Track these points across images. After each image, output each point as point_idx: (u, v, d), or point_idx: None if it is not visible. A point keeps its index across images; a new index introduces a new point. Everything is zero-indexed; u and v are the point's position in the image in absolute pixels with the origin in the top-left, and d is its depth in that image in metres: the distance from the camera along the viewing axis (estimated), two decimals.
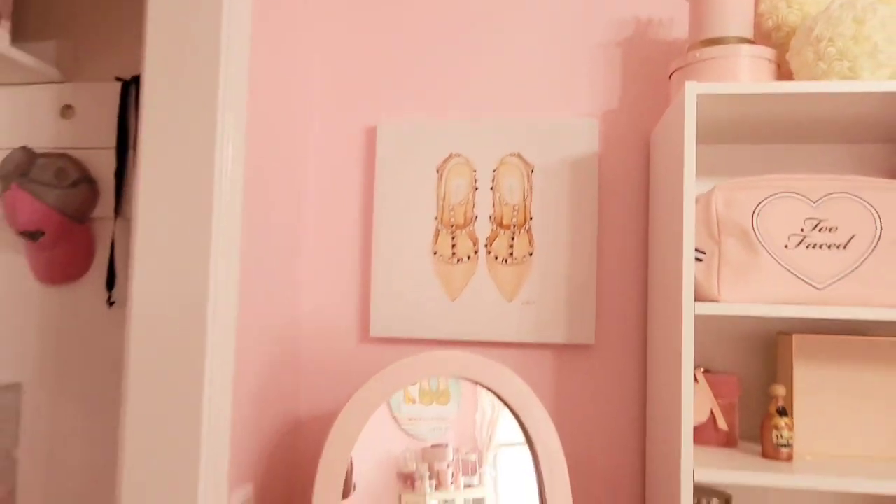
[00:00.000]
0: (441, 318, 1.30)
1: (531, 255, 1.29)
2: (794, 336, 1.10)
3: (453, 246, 1.31)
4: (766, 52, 1.07)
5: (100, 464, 1.36)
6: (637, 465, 1.24)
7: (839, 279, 1.01)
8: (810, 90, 0.98)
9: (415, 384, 1.12)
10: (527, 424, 1.03)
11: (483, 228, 1.31)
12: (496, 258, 1.30)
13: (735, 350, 1.21)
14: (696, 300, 1.01)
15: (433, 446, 1.29)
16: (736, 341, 1.21)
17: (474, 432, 1.28)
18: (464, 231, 1.31)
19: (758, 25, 1.14)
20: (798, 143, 1.21)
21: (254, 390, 1.15)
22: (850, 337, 1.10)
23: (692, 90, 0.99)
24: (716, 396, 1.13)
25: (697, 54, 1.09)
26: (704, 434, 1.12)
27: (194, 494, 0.98)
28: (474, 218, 1.32)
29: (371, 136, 1.36)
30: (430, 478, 1.29)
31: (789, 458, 1.03)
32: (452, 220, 1.32)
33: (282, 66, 1.22)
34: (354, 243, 1.36)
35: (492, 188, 1.31)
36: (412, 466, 1.29)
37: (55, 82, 1.41)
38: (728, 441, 1.12)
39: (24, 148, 1.35)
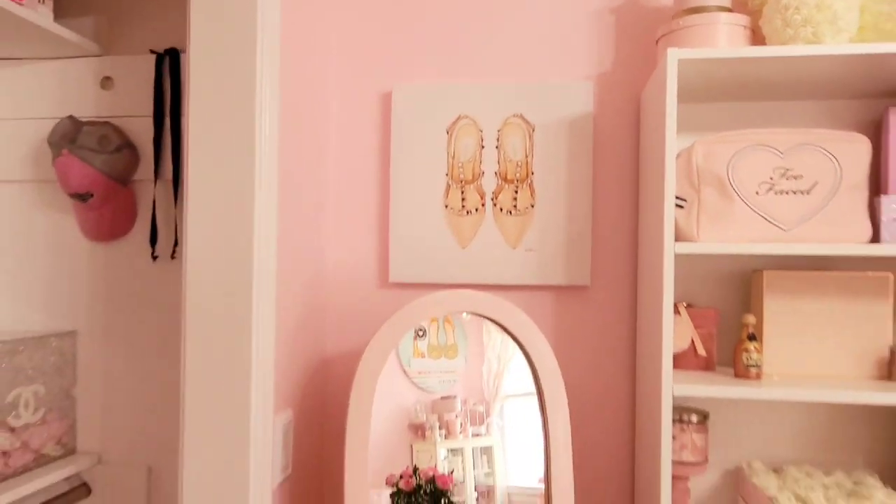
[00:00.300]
0: (452, 264, 1.45)
1: (533, 206, 1.43)
2: (765, 272, 1.25)
3: (462, 199, 1.46)
4: (742, 19, 1.19)
5: (148, 400, 1.52)
6: (628, 390, 1.41)
7: (804, 221, 1.16)
8: (778, 54, 1.10)
9: (434, 318, 1.26)
10: (529, 351, 1.18)
11: (489, 183, 1.45)
12: (501, 210, 1.44)
13: (714, 287, 1.36)
14: (678, 242, 1.16)
15: (442, 398, 1.37)
16: (715, 279, 1.36)
17: (481, 384, 1.36)
18: (472, 186, 1.45)
19: None
20: (771, 101, 1.34)
21: (291, 331, 1.30)
22: (813, 272, 1.24)
23: (674, 56, 1.12)
24: (696, 327, 1.28)
25: (680, 22, 1.21)
26: (686, 360, 1.28)
27: (247, 417, 1.14)
28: (481, 174, 1.45)
29: (386, 100, 1.49)
30: (440, 428, 1.37)
31: (758, 376, 1.19)
32: (462, 176, 1.46)
33: (306, 39, 1.35)
34: (373, 199, 1.50)
35: (497, 146, 1.45)
36: (422, 417, 1.37)
37: (95, 55, 1.53)
38: (707, 365, 1.28)
39: (70, 117, 1.48)
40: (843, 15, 1.10)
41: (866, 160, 1.16)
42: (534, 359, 1.17)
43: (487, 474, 1.37)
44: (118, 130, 1.50)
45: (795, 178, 1.16)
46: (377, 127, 1.50)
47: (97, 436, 1.54)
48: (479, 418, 1.37)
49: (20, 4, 1.30)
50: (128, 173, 1.51)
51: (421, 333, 1.38)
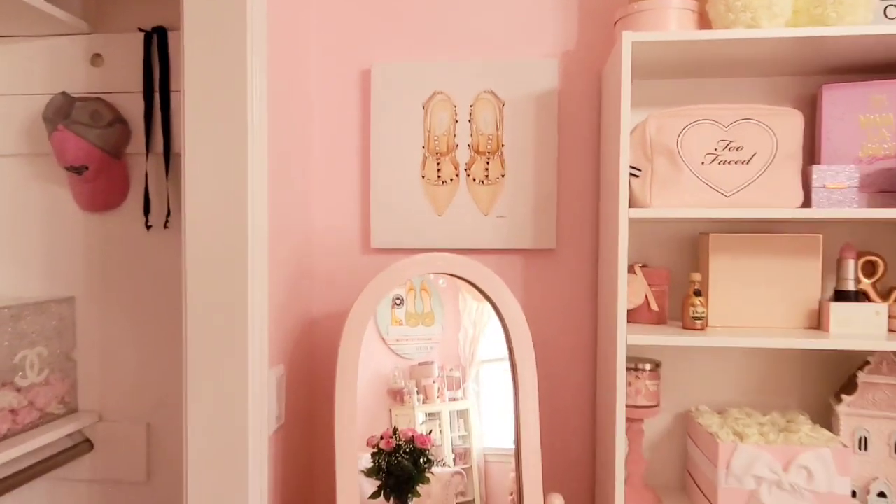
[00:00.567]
0: (429, 230, 1.57)
1: (503, 176, 1.55)
2: (711, 235, 1.39)
3: (438, 170, 1.57)
4: (691, 3, 1.31)
5: (144, 360, 1.62)
6: (590, 342, 1.54)
7: (743, 188, 1.29)
8: (721, 37, 1.23)
9: (414, 278, 1.37)
10: (500, 309, 1.31)
11: (463, 155, 1.56)
12: (474, 180, 1.56)
13: (667, 249, 1.50)
14: (632, 208, 1.28)
15: (420, 364, 1.43)
16: (668, 242, 1.50)
17: (458, 350, 1.43)
18: (447, 157, 1.57)
19: None
20: (718, 78, 1.47)
21: (282, 293, 1.41)
22: (753, 234, 1.38)
23: (628, 38, 1.23)
24: (650, 285, 1.42)
25: (636, 6, 1.32)
26: (640, 314, 1.42)
27: (245, 371, 1.25)
28: (455, 146, 1.56)
29: (366, 77, 1.59)
30: (418, 393, 1.43)
31: (703, 327, 1.33)
32: (437, 148, 1.57)
33: (291, 20, 1.43)
34: (355, 170, 1.60)
35: (470, 120, 1.56)
36: (401, 383, 1.42)
37: (84, 34, 1.59)
38: (659, 319, 1.42)
39: (63, 93, 1.55)
40: (778, 1, 1.22)
41: (799, 133, 1.29)
42: (504, 315, 1.30)
43: (464, 437, 1.44)
44: (109, 106, 1.57)
45: (737, 149, 1.29)
46: (358, 102, 1.60)
47: (97, 395, 1.64)
48: (455, 383, 1.44)
49: None
50: (120, 147, 1.58)
51: (398, 302, 1.44)
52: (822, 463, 1.22)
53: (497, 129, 1.55)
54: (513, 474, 1.37)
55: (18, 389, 1.47)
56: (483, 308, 1.38)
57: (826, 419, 1.43)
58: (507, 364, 1.36)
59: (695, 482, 1.41)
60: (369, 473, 1.40)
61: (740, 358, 1.49)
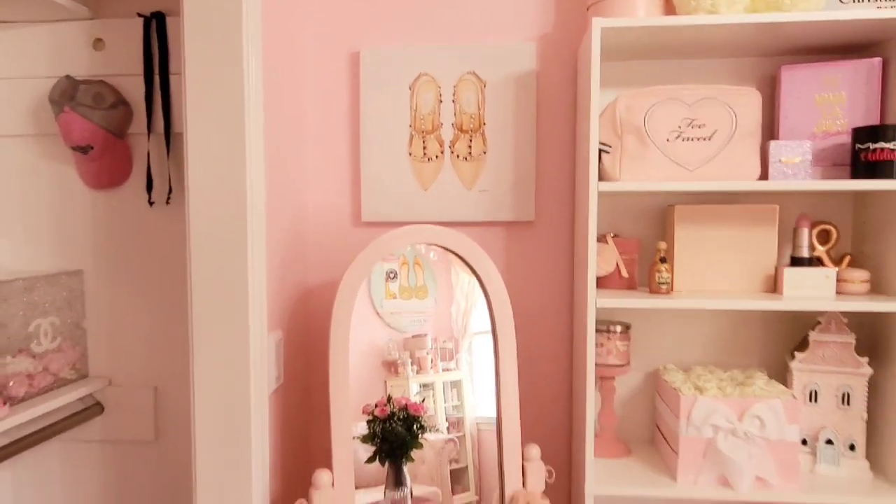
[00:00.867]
0: (416, 204, 1.67)
1: (485, 153, 1.65)
2: (676, 206, 1.49)
3: (424, 148, 1.66)
4: None
5: (150, 328, 1.72)
6: (567, 308, 1.66)
7: (705, 163, 1.40)
8: (683, 23, 1.32)
9: (402, 249, 1.47)
10: (480, 274, 1.41)
11: (447, 133, 1.65)
12: (458, 156, 1.66)
13: (638, 220, 1.60)
14: (603, 182, 1.38)
15: (413, 336, 1.48)
16: (639, 214, 1.60)
17: (450, 323, 1.49)
18: (432, 136, 1.66)
19: None
20: (684, 59, 1.56)
21: (279, 264, 1.51)
22: (715, 205, 1.49)
23: (598, 24, 1.33)
24: (621, 254, 1.53)
25: None
26: (612, 281, 1.53)
27: (246, 335, 1.35)
28: (440, 125, 1.66)
29: (355, 60, 1.68)
30: (412, 364, 1.49)
31: (668, 292, 1.44)
32: (423, 127, 1.66)
33: (284, 4, 1.52)
34: (346, 148, 1.70)
35: (453, 101, 1.65)
36: (395, 355, 1.48)
37: (86, 19, 1.67)
38: (629, 285, 1.54)
39: (67, 77, 1.63)
40: None
41: (758, 111, 1.39)
42: (484, 281, 1.40)
43: (457, 406, 1.49)
44: (112, 88, 1.65)
45: (699, 126, 1.40)
46: (348, 84, 1.69)
47: (106, 361, 1.74)
48: (448, 355, 1.50)
49: None
50: (123, 127, 1.67)
51: (392, 276, 1.50)
52: (773, 413, 1.34)
53: (479, 109, 1.64)
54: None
55: (34, 356, 1.58)
56: (475, 282, 1.44)
57: (783, 376, 1.55)
58: (483, 295, 1.43)
59: (661, 434, 1.54)
60: (365, 440, 1.47)
61: (705, 320, 1.61)
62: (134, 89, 1.66)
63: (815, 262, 1.47)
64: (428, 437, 1.50)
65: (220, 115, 1.31)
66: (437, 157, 1.66)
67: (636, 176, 1.40)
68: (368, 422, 1.46)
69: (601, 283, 1.53)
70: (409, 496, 1.50)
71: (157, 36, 1.64)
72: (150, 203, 1.68)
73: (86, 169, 1.68)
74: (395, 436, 1.49)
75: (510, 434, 1.40)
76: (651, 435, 1.64)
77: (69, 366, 1.68)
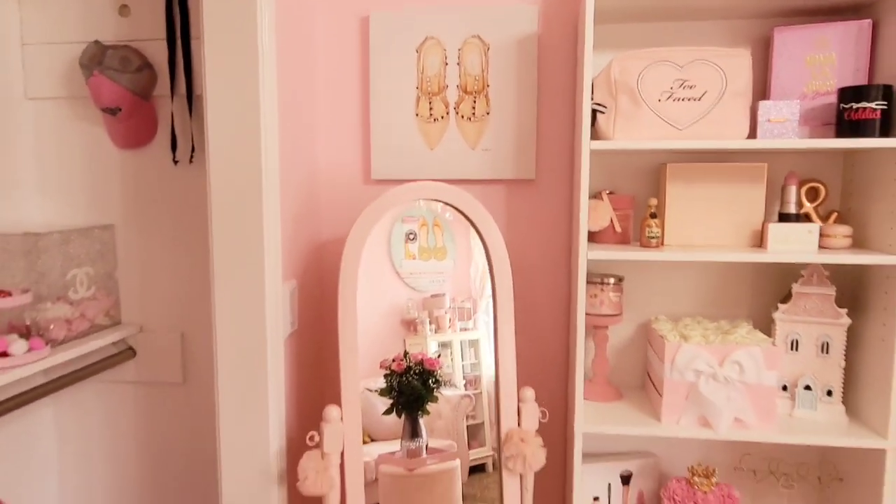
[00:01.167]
0: (423, 163, 1.76)
1: (488, 113, 1.72)
2: (668, 164, 1.56)
3: (430, 109, 1.75)
4: None
5: (176, 279, 1.85)
6: (564, 263, 1.75)
7: (695, 122, 1.46)
8: None
9: (407, 202, 1.55)
10: (478, 226, 1.50)
11: (452, 94, 1.73)
12: (462, 117, 1.74)
13: (633, 178, 1.68)
14: (597, 140, 1.45)
15: (432, 296, 1.52)
16: (633, 172, 1.68)
17: (469, 283, 1.53)
18: (438, 97, 1.74)
19: None
20: (681, 21, 1.61)
21: (292, 219, 1.62)
22: (705, 163, 1.55)
23: None
24: (615, 210, 1.60)
25: None
26: (606, 235, 1.61)
27: (262, 284, 1.47)
28: (445, 87, 1.74)
29: (364, 24, 1.76)
30: (430, 323, 1.54)
31: (658, 245, 1.52)
32: (429, 88, 1.74)
33: None
34: (357, 110, 1.79)
35: (458, 63, 1.72)
36: (414, 314, 1.53)
37: None
38: (623, 240, 1.62)
39: (96, 42, 1.73)
40: None
41: (748, 72, 1.45)
42: (482, 231, 1.49)
43: (474, 365, 1.55)
44: (137, 52, 1.75)
45: (690, 87, 1.46)
46: (357, 47, 1.77)
47: (138, 309, 1.88)
48: (466, 314, 1.55)
49: None
50: (149, 90, 1.78)
51: (412, 237, 1.56)
52: (752, 359, 1.43)
53: (483, 71, 1.71)
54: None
55: (71, 303, 1.72)
56: None
57: (769, 328, 1.62)
58: (482, 248, 1.50)
59: (650, 380, 1.63)
60: (382, 393, 1.55)
61: (696, 274, 1.69)
62: (158, 53, 1.76)
63: (802, 218, 1.53)
64: (445, 393, 1.57)
65: (236, 78, 1.41)
66: (442, 117, 1.74)
67: (629, 135, 1.47)
68: (386, 376, 1.54)
69: (596, 237, 1.61)
70: (424, 447, 1.58)
71: (179, 2, 1.73)
72: (175, 162, 1.80)
73: (114, 129, 1.80)
74: (410, 389, 1.56)
75: (506, 377, 1.51)
76: (642, 381, 1.73)
77: (103, 313, 1.82)
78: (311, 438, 1.45)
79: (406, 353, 1.56)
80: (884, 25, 1.45)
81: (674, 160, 1.62)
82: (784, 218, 1.53)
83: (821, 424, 1.48)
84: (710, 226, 1.56)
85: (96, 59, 1.72)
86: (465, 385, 1.57)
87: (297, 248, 1.66)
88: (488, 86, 1.71)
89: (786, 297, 1.56)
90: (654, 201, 1.53)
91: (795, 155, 1.61)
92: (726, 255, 1.43)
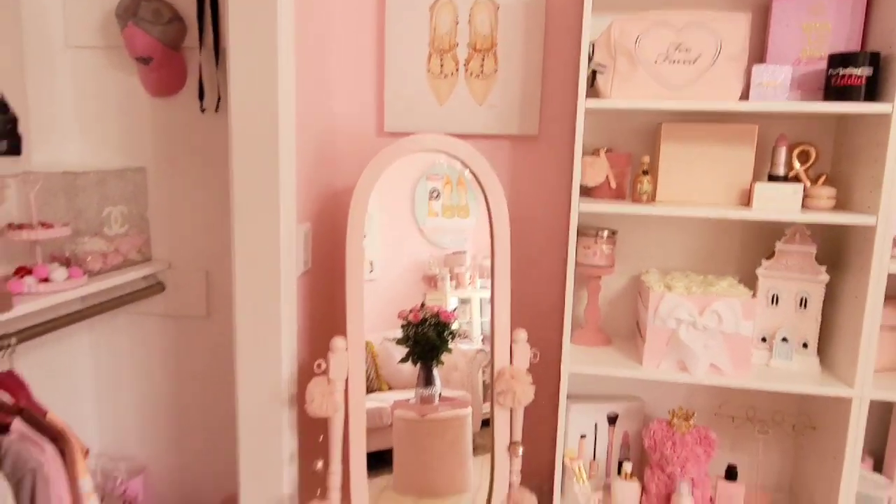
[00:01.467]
0: (433, 117, 1.85)
1: (496, 71, 1.81)
2: (664, 124, 1.64)
3: (441, 65, 1.83)
4: None
5: (203, 219, 1.98)
6: (563, 216, 1.84)
7: (689, 85, 1.53)
8: None
9: (412, 153, 1.64)
10: (478, 175, 1.59)
11: (462, 52, 1.82)
12: (471, 74, 1.82)
13: (630, 137, 1.75)
14: (594, 99, 1.53)
15: (453, 253, 1.61)
16: (631, 131, 1.75)
17: (489, 241, 1.57)
18: (448, 54, 1.83)
19: None
20: None
21: (308, 166, 1.74)
22: (698, 124, 1.62)
23: None
24: (612, 167, 1.69)
25: None
26: (602, 191, 1.70)
27: (277, 224, 1.59)
28: (456, 45, 1.82)
29: None
30: (451, 279, 1.60)
31: (649, 201, 1.61)
32: (440, 46, 1.83)
33: None
34: (372, 65, 1.88)
35: (469, 22, 1.80)
36: (435, 270, 1.61)
37: None
38: (617, 195, 1.70)
39: None
40: None
41: (743, 36, 1.50)
42: (482, 181, 1.59)
43: None
44: (168, 5, 1.85)
45: (686, 50, 1.52)
46: (374, 4, 1.85)
47: (166, 247, 2.03)
48: (486, 272, 1.59)
49: None
50: (178, 41, 1.89)
51: (435, 195, 1.63)
52: (730, 310, 1.52)
53: (492, 30, 1.79)
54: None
55: (106, 238, 1.87)
56: None
57: (754, 283, 1.71)
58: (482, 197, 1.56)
59: (638, 328, 1.73)
60: (399, 342, 1.65)
61: (687, 231, 1.77)
62: (188, 7, 1.86)
63: (791, 179, 1.60)
64: (461, 347, 1.65)
65: (256, 32, 1.51)
66: (452, 74, 1.82)
67: (626, 95, 1.55)
68: (403, 326, 1.64)
69: (592, 192, 1.70)
70: (437, 395, 1.68)
71: None
72: (202, 110, 1.91)
73: (147, 78, 1.92)
74: (426, 339, 1.66)
75: (500, 319, 1.62)
76: (632, 330, 1.84)
77: (136, 249, 1.97)
78: (319, 366, 1.59)
79: (423, 305, 1.64)
80: None
81: (670, 121, 1.69)
82: (773, 179, 1.60)
83: (795, 374, 1.58)
84: (701, 184, 1.63)
85: (130, 10, 1.83)
86: (483, 340, 1.64)
87: (312, 194, 1.78)
88: (497, 44, 1.79)
89: (770, 255, 1.64)
90: (646, 159, 1.61)
91: (789, 119, 1.67)
92: (711, 212, 1.51)
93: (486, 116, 1.82)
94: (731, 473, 1.66)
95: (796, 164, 1.61)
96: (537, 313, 1.89)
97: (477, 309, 1.63)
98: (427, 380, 1.68)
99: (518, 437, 1.64)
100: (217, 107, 1.90)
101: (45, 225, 1.66)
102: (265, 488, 1.69)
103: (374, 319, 1.67)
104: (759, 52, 1.62)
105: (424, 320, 1.65)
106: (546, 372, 1.73)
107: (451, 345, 1.68)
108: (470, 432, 1.70)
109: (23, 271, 1.61)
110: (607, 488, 1.76)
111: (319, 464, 1.61)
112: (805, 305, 1.59)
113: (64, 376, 2.02)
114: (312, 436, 1.68)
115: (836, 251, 1.62)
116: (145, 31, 1.81)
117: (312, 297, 1.83)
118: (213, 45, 1.86)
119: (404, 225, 1.59)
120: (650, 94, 1.53)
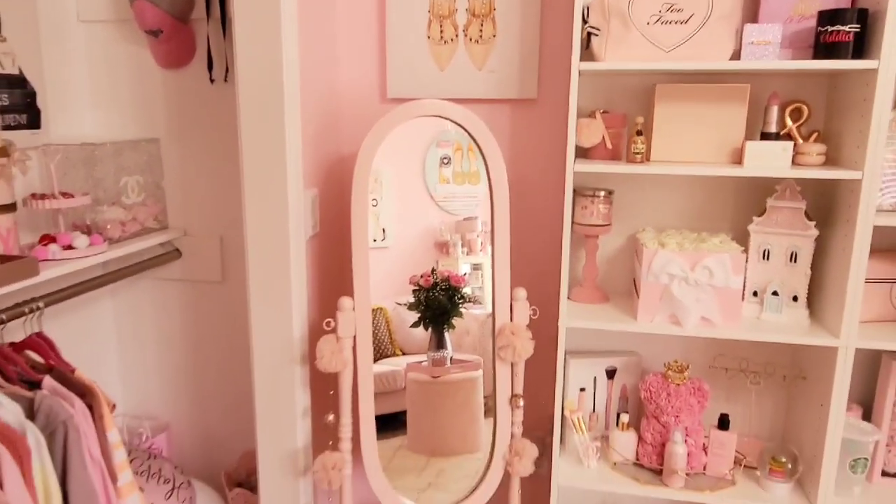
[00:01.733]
0: (434, 83, 1.90)
1: (495, 36, 1.84)
2: (658, 85, 1.67)
3: (441, 31, 1.87)
4: None
5: (216, 188, 2.06)
6: (561, 177, 1.88)
7: (680, 44, 1.56)
8: None
9: (412, 118, 1.69)
10: (481, 144, 1.65)
11: (461, 18, 1.85)
12: (470, 39, 1.86)
13: (627, 98, 1.79)
14: (587, 62, 1.57)
15: (465, 219, 1.63)
16: (626, 92, 1.79)
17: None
18: (448, 20, 1.87)
19: None
20: None
21: (313, 132, 1.80)
22: (691, 84, 1.65)
23: None
24: (608, 128, 1.72)
25: None
26: (598, 151, 1.74)
27: (285, 189, 1.66)
28: (455, 10, 1.86)
29: None
30: (462, 245, 1.63)
31: (643, 160, 1.65)
32: (440, 12, 1.86)
33: None
34: (374, 32, 1.93)
35: None
36: (447, 236, 1.63)
37: None
38: (613, 156, 1.74)
39: None
40: None
41: None
42: (480, 144, 1.64)
43: None
44: None
45: (678, 11, 1.55)
46: None
47: (182, 215, 2.11)
48: None
49: None
50: (187, 13, 1.94)
51: (446, 161, 1.66)
52: (720, 265, 1.58)
53: None
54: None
55: (125, 207, 1.95)
56: None
57: (747, 240, 1.75)
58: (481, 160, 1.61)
59: (634, 285, 1.80)
60: (411, 307, 1.69)
61: (682, 189, 1.81)
62: None
63: (783, 137, 1.63)
64: (473, 311, 1.69)
65: (260, 1, 1.56)
66: (452, 40, 1.87)
67: (620, 57, 1.58)
68: (414, 291, 1.68)
69: (588, 153, 1.75)
70: (448, 358, 1.74)
71: None
72: (212, 81, 1.98)
73: (157, 50, 1.98)
74: (437, 303, 1.71)
75: (501, 278, 1.69)
76: (628, 288, 1.90)
77: (152, 217, 2.05)
78: (328, 324, 1.67)
79: (433, 270, 1.69)
80: None
81: (665, 81, 1.72)
82: (766, 136, 1.63)
83: (784, 326, 1.63)
84: (695, 143, 1.67)
85: None
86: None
87: (319, 160, 1.85)
88: (495, 9, 1.83)
89: (762, 212, 1.68)
90: (640, 119, 1.65)
91: (782, 77, 1.70)
92: (702, 170, 1.56)
93: (486, 81, 1.86)
94: (723, 423, 1.73)
95: (788, 122, 1.64)
96: (537, 272, 1.95)
97: (489, 274, 1.66)
98: (439, 343, 1.74)
99: (519, 390, 1.72)
100: (226, 77, 1.96)
101: (65, 195, 1.75)
102: (281, 441, 1.80)
103: (388, 286, 1.72)
104: (751, 12, 1.64)
105: (435, 285, 1.70)
106: (547, 329, 1.80)
107: (462, 308, 1.73)
108: (481, 394, 1.77)
109: (47, 239, 1.70)
110: (605, 439, 1.84)
111: (331, 417, 1.70)
112: (795, 260, 1.64)
113: (89, 340, 2.13)
114: (323, 391, 1.77)
115: (826, 207, 1.66)
116: (154, 3, 1.86)
117: (321, 259, 1.91)
118: (221, 17, 1.91)
119: (416, 192, 1.63)
120: (644, 56, 1.57)
